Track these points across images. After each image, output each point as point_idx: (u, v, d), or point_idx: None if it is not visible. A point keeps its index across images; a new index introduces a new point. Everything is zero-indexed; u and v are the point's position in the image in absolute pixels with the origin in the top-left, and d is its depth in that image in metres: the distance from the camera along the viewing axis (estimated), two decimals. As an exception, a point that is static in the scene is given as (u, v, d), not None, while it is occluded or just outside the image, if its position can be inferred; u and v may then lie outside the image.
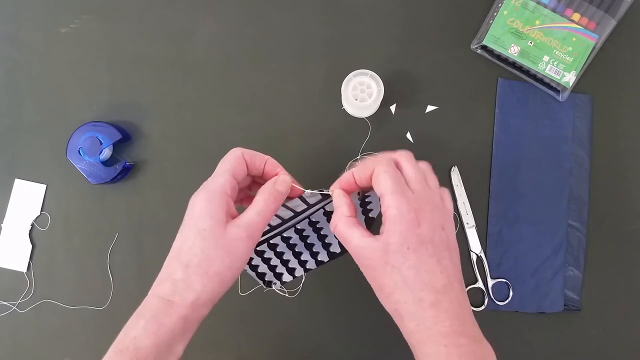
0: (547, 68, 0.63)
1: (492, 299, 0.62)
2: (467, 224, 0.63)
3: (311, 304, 0.63)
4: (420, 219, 0.40)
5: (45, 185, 0.66)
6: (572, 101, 0.64)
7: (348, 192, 0.45)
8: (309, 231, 0.52)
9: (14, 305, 0.65)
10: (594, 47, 0.63)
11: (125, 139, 0.64)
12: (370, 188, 0.44)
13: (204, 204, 0.42)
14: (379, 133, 0.64)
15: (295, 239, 0.52)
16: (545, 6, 0.62)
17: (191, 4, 0.67)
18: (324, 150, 0.65)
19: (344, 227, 0.42)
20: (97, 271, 0.64)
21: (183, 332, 0.41)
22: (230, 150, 0.45)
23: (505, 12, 0.63)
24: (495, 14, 0.63)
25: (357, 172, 0.44)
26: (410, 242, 0.39)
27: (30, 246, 0.65)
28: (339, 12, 0.67)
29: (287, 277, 0.56)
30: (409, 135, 0.64)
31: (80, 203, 0.65)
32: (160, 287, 0.42)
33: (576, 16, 0.63)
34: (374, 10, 0.66)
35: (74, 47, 0.67)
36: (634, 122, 0.64)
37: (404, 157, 0.44)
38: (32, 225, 0.65)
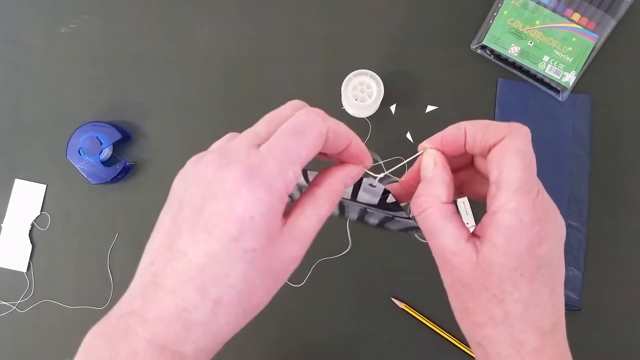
0: (547, 68, 0.63)
1: (492, 299, 0.62)
2: (467, 224, 0.63)
3: (316, 295, 0.63)
4: (543, 233, 0.27)
5: (45, 185, 0.66)
6: (572, 101, 0.64)
7: (448, 159, 0.31)
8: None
9: (14, 305, 0.65)
10: (593, 47, 0.63)
11: (125, 138, 0.64)
12: (462, 164, 0.32)
13: (261, 210, 0.25)
14: (379, 133, 0.64)
15: None
16: (545, 6, 0.62)
17: (191, 3, 0.67)
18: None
19: (438, 217, 0.29)
20: (97, 271, 0.64)
21: None
22: (311, 116, 0.27)
23: (505, 12, 0.63)
24: (495, 14, 0.63)
25: (472, 130, 0.29)
26: (526, 267, 0.28)
27: (30, 246, 0.65)
28: (338, 12, 0.67)
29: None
30: (409, 135, 0.64)
31: (80, 203, 0.65)
32: (159, 328, 0.25)
33: (576, 16, 0.63)
34: (374, 10, 0.66)
35: (74, 47, 0.67)
36: (634, 122, 0.64)
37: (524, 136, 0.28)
38: (32, 225, 0.65)
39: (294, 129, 0.27)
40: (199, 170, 0.27)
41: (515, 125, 0.28)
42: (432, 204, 0.29)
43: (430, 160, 0.30)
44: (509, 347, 0.29)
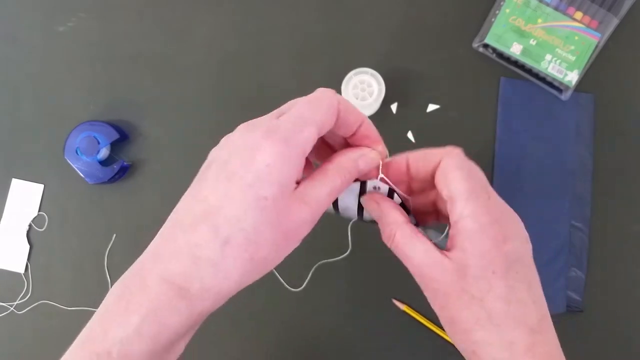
0: (550, 67, 0.62)
1: (493, 299, 0.62)
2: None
3: (316, 298, 0.63)
4: (505, 231, 0.30)
5: (42, 185, 0.65)
6: (575, 100, 0.64)
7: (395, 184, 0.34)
8: None
9: (11, 306, 0.64)
10: (596, 46, 0.62)
11: (122, 138, 0.64)
12: (425, 187, 0.34)
13: (276, 159, 0.27)
14: (379, 132, 0.64)
15: None
16: (547, 4, 0.62)
17: (189, 1, 0.67)
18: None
19: (406, 238, 0.31)
20: (94, 272, 0.64)
21: (190, 329, 0.30)
22: (322, 91, 0.31)
23: (508, 10, 0.62)
24: (497, 12, 0.63)
25: (414, 160, 0.33)
26: (497, 264, 0.29)
27: (28, 247, 0.64)
28: (339, 10, 0.66)
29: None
30: (410, 135, 0.64)
31: (77, 203, 0.65)
32: (170, 262, 0.28)
33: (578, 14, 0.62)
34: (374, 7, 0.66)
35: (71, 45, 0.67)
36: (637, 120, 0.64)
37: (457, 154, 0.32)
38: (30, 225, 0.65)
39: (308, 100, 0.30)
40: (229, 138, 0.30)
41: (449, 148, 0.32)
42: (397, 228, 0.31)
43: (371, 203, 0.33)
44: (501, 348, 0.29)
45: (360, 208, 0.35)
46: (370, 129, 0.33)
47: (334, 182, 0.30)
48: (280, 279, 0.62)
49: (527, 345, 0.29)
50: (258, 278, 0.30)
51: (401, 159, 0.33)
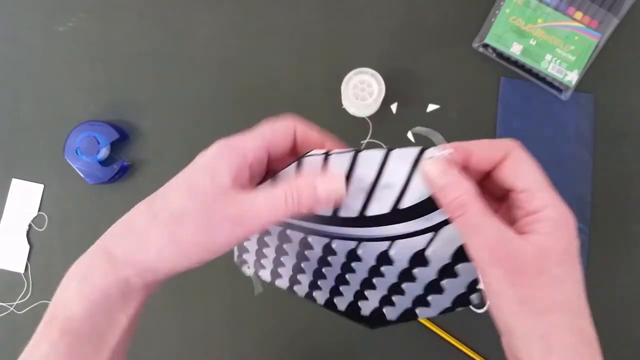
0: (550, 67, 0.62)
1: (493, 299, 0.62)
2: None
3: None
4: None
5: (42, 185, 0.65)
6: (575, 100, 0.63)
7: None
8: (360, 264, 0.35)
9: (11, 306, 0.64)
10: (596, 46, 0.62)
11: (122, 138, 0.64)
12: (476, 176, 0.32)
13: (214, 156, 0.32)
14: (379, 132, 0.64)
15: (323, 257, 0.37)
16: (547, 4, 0.62)
17: (189, 1, 0.67)
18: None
19: (484, 209, 0.29)
20: (95, 272, 0.64)
21: (122, 299, 0.32)
22: (283, 117, 0.34)
23: (507, 10, 0.62)
24: (497, 12, 0.63)
25: (481, 149, 0.31)
26: (572, 252, 0.30)
27: (28, 247, 0.64)
28: (339, 10, 0.66)
29: (284, 283, 0.41)
30: (410, 135, 0.64)
31: (77, 203, 0.65)
32: (110, 234, 0.33)
33: (578, 14, 0.62)
34: (374, 7, 0.66)
35: (71, 45, 0.67)
36: (637, 121, 0.64)
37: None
38: (30, 225, 0.65)
39: (267, 122, 0.34)
40: None
41: (509, 141, 0.32)
42: (471, 199, 0.29)
43: (440, 165, 0.30)
44: (571, 334, 0.30)
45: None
46: (336, 147, 0.34)
47: (276, 197, 0.31)
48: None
49: (593, 335, 0.31)
50: (184, 262, 0.31)
51: (465, 147, 0.31)
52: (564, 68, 0.62)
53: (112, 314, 0.32)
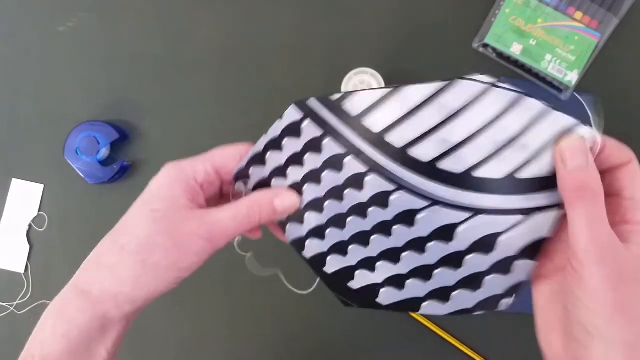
0: (550, 67, 0.62)
1: (493, 299, 0.62)
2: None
3: (317, 298, 0.63)
4: None
5: (42, 185, 0.65)
6: (575, 100, 0.63)
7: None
8: (406, 230, 0.30)
9: (11, 306, 0.64)
10: (596, 46, 0.62)
11: (122, 138, 0.64)
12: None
13: (165, 180, 0.33)
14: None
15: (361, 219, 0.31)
16: (547, 4, 0.62)
17: (189, 1, 0.67)
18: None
19: (602, 210, 0.28)
20: (95, 272, 0.64)
21: (102, 332, 0.32)
22: (238, 143, 0.36)
23: (507, 10, 0.62)
24: (497, 12, 0.63)
25: (611, 147, 0.30)
26: None
27: (28, 247, 0.64)
28: (338, 10, 0.66)
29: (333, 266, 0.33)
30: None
31: (78, 203, 0.65)
32: (83, 273, 0.34)
33: (578, 14, 0.62)
34: (374, 7, 0.66)
35: (71, 45, 0.67)
36: (637, 121, 0.64)
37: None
38: (30, 225, 0.65)
39: (220, 147, 0.36)
40: None
41: (630, 152, 0.31)
42: (601, 191, 0.28)
43: (583, 146, 0.28)
44: None
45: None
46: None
47: (240, 209, 0.33)
48: (287, 283, 0.62)
49: None
50: (160, 286, 0.32)
51: (602, 139, 0.30)
52: (564, 68, 0.62)
53: (90, 349, 0.32)
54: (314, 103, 0.31)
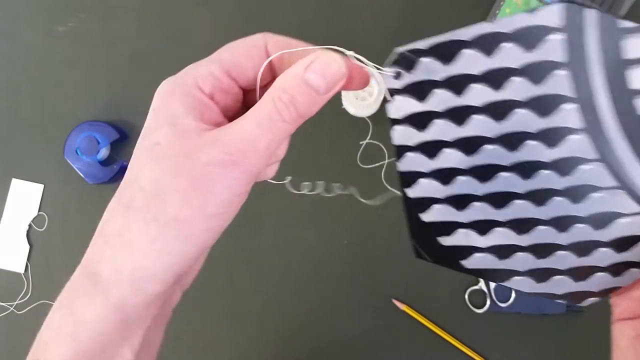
0: (550, 67, 0.62)
1: (494, 300, 0.62)
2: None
3: (315, 297, 0.63)
4: None
5: (42, 185, 0.65)
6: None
7: None
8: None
9: (11, 306, 0.64)
10: (596, 46, 0.62)
11: (122, 138, 0.64)
12: None
13: (160, 101, 0.25)
14: (379, 132, 0.64)
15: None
16: (547, 4, 0.62)
17: (189, 1, 0.67)
18: (323, 150, 0.64)
19: None
20: (95, 272, 0.64)
21: (122, 327, 0.23)
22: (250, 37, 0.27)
23: (508, 10, 0.62)
24: (497, 12, 0.63)
25: None
26: None
27: (28, 247, 0.64)
28: (338, 9, 0.66)
29: (477, 263, 0.28)
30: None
31: (78, 203, 0.65)
32: (90, 251, 0.25)
33: (579, 14, 0.62)
34: (373, 7, 0.66)
35: (71, 45, 0.67)
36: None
37: None
38: (30, 225, 0.65)
39: (228, 44, 0.26)
40: None
41: None
42: None
43: None
44: None
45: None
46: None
47: (263, 108, 0.23)
48: (360, 198, 0.62)
49: None
50: (189, 248, 0.23)
51: None
52: (564, 68, 0.62)
53: (107, 352, 0.24)
54: (590, 15, 0.22)
